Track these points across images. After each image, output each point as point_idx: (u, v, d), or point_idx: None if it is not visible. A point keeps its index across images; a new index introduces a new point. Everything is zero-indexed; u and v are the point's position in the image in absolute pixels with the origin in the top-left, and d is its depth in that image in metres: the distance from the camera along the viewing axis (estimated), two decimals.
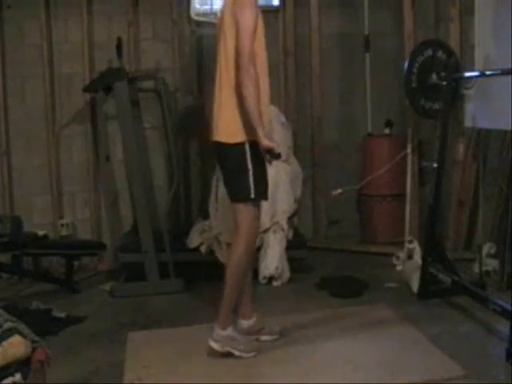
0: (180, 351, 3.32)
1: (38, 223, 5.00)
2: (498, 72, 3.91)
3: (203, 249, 4.64)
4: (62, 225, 5.09)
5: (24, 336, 2.54)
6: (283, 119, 5.00)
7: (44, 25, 4.99)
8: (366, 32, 5.51)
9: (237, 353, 3.18)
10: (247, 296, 3.36)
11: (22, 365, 2.47)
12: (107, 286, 4.54)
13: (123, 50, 4.74)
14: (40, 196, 5.10)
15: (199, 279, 4.55)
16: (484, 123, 4.40)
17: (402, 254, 4.72)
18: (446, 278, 3.95)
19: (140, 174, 4.51)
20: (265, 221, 4.25)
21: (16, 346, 2.48)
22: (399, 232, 5.02)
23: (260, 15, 3.10)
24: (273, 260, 4.45)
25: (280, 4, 5.49)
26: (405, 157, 5.09)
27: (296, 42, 5.51)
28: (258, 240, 3.52)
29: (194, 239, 4.72)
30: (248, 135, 3.08)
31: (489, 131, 4.63)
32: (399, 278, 4.45)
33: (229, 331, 3.20)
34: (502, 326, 3.29)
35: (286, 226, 4.61)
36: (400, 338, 3.40)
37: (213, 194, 4.76)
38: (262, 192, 3.22)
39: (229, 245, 4.03)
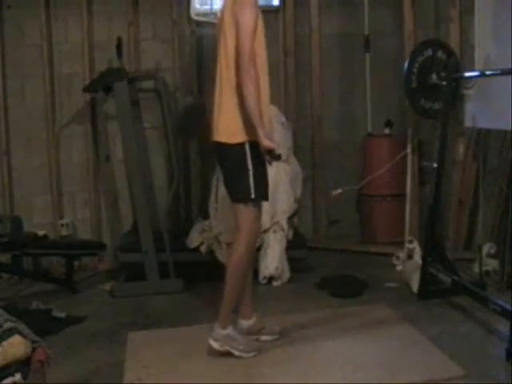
0: (180, 351, 3.32)
1: (38, 223, 5.00)
2: (498, 72, 3.91)
3: (203, 249, 4.64)
4: (62, 225, 5.10)
5: (24, 336, 2.54)
6: (283, 119, 5.00)
7: (44, 25, 4.99)
8: (366, 32, 5.51)
9: (236, 352, 3.18)
10: (247, 296, 3.36)
11: (22, 365, 2.47)
12: (107, 286, 4.54)
13: (123, 50, 4.74)
14: (40, 196, 5.11)
15: (199, 279, 4.55)
16: (484, 123, 4.39)
17: (402, 254, 4.72)
18: (446, 278, 3.95)
19: (140, 174, 4.51)
20: (265, 221, 4.25)
21: (16, 346, 2.48)
22: (399, 232, 5.02)
23: (260, 15, 3.10)
24: (273, 260, 4.45)
25: (280, 4, 5.49)
26: (405, 157, 5.09)
27: (296, 42, 5.51)
28: (258, 240, 3.51)
29: (194, 239, 4.72)
30: (248, 135, 3.08)
31: (489, 131, 4.63)
32: (399, 278, 4.45)
33: (229, 331, 3.20)
34: (502, 326, 3.29)
35: (286, 226, 4.61)
36: (400, 338, 3.40)
37: (213, 194, 4.76)
38: (263, 192, 3.22)
39: (229, 245, 4.04)
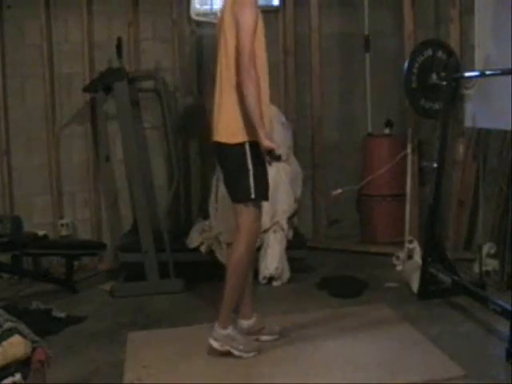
0: (180, 351, 3.32)
1: (38, 223, 5.00)
2: (498, 72, 3.91)
3: (203, 249, 4.63)
4: (62, 225, 5.10)
5: (24, 336, 2.54)
6: (283, 119, 5.00)
7: (44, 25, 4.99)
8: (366, 32, 5.51)
9: (236, 352, 3.18)
10: (248, 296, 3.36)
11: (22, 365, 2.47)
12: (107, 286, 4.54)
13: (123, 50, 4.74)
14: (40, 196, 5.11)
15: (199, 279, 4.55)
16: (484, 123, 4.39)
17: (402, 254, 4.72)
18: (446, 278, 3.95)
19: (140, 173, 4.51)
20: (265, 221, 4.25)
21: (16, 346, 2.48)
22: (399, 232, 5.02)
23: (260, 15, 3.11)
24: (273, 260, 4.45)
25: (280, 4, 5.49)
26: (405, 157, 5.09)
27: (296, 42, 5.51)
28: (258, 240, 3.51)
29: (194, 239, 4.72)
30: (248, 135, 3.08)
31: (489, 131, 4.63)
32: (399, 278, 4.45)
33: (229, 331, 3.20)
34: (502, 326, 3.29)
35: (286, 226, 4.61)
36: (400, 338, 3.40)
37: (213, 194, 4.76)
38: (263, 192, 3.22)
39: (229, 245, 4.04)
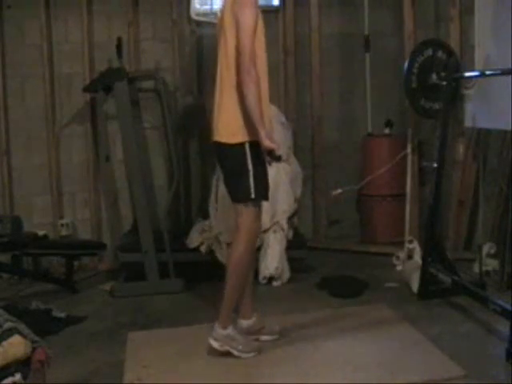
0: (180, 351, 3.32)
1: (38, 223, 5.00)
2: (498, 72, 3.91)
3: (203, 249, 4.63)
4: (62, 225, 5.10)
5: (24, 336, 2.54)
6: (283, 119, 5.00)
7: (44, 25, 4.99)
8: (366, 32, 5.51)
9: (236, 353, 3.18)
10: (248, 296, 3.36)
11: (22, 365, 2.47)
12: (107, 286, 4.54)
13: (123, 50, 4.74)
14: (40, 196, 5.11)
15: (199, 279, 4.55)
16: (484, 123, 4.39)
17: (402, 254, 4.72)
18: (446, 278, 3.95)
19: (140, 173, 4.51)
20: (265, 221, 4.25)
21: (16, 346, 2.48)
22: (399, 232, 5.02)
23: (260, 15, 3.11)
24: (273, 260, 4.45)
25: (280, 4, 5.49)
26: (405, 157, 5.09)
27: (296, 42, 5.51)
28: (257, 240, 3.52)
29: (194, 239, 4.72)
30: (248, 135, 3.08)
31: (489, 131, 4.63)
32: (399, 278, 4.45)
33: (229, 331, 3.20)
34: (502, 326, 3.29)
35: (286, 226, 4.61)
36: (400, 337, 3.40)
37: (213, 194, 4.76)
38: (263, 192, 3.22)
39: (229, 245, 4.03)
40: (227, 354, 3.18)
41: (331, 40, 5.58)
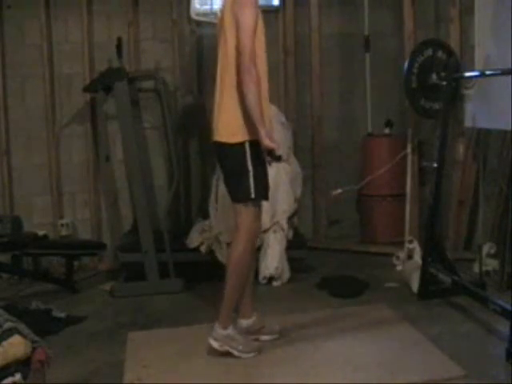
0: (180, 351, 3.32)
1: (38, 223, 5.00)
2: (498, 72, 3.91)
3: (203, 249, 4.64)
4: (62, 225, 5.10)
5: (24, 336, 2.54)
6: (283, 119, 5.00)
7: (44, 25, 5.00)
8: (366, 32, 5.51)
9: (236, 353, 3.18)
10: (248, 295, 3.36)
11: (22, 365, 2.47)
12: (107, 286, 4.54)
13: (123, 50, 4.74)
14: (40, 196, 5.11)
15: (199, 279, 4.55)
16: (484, 123, 4.39)
17: (402, 254, 4.72)
18: (446, 278, 3.95)
19: (140, 173, 4.51)
20: (265, 221, 4.25)
21: (16, 346, 2.48)
22: (399, 232, 5.02)
23: (260, 15, 3.11)
24: (273, 260, 4.45)
25: (280, 4, 5.49)
26: (405, 157, 5.09)
27: (296, 42, 5.51)
28: (258, 240, 3.52)
29: (194, 239, 4.72)
30: (248, 135, 3.08)
31: (489, 131, 4.63)
32: (399, 278, 4.45)
33: (229, 331, 3.20)
34: (502, 326, 3.29)
35: (286, 226, 4.61)
36: (400, 337, 3.40)
37: (213, 194, 4.76)
38: (263, 192, 3.22)
39: (229, 244, 4.03)
40: (227, 354, 3.18)
41: (331, 40, 5.58)
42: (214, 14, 4.92)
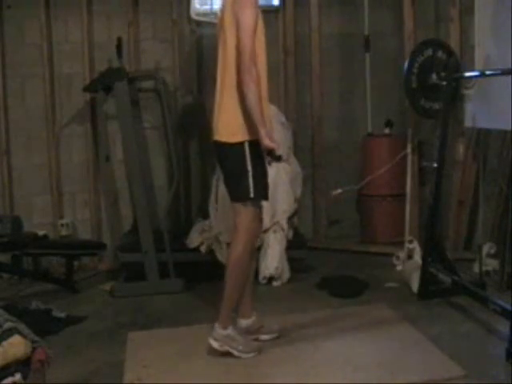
0: (180, 351, 3.32)
1: (38, 223, 5.00)
2: (498, 72, 3.91)
3: (203, 249, 4.64)
4: (62, 225, 5.10)
5: (24, 336, 2.54)
6: (283, 119, 5.00)
7: (44, 25, 5.00)
8: (366, 32, 5.51)
9: (236, 353, 3.18)
10: (248, 295, 3.36)
11: (22, 365, 2.47)
12: (107, 286, 4.54)
13: (123, 50, 4.74)
14: (40, 196, 5.11)
15: (199, 279, 4.55)
16: (484, 123, 4.39)
17: (402, 254, 4.72)
18: (446, 278, 3.95)
19: (140, 173, 4.51)
20: (265, 221, 4.24)
21: (16, 346, 2.48)
22: (399, 232, 5.02)
23: (260, 15, 3.11)
24: (273, 260, 4.45)
25: (280, 4, 5.49)
26: (405, 157, 5.09)
27: (296, 42, 5.51)
28: (257, 240, 3.52)
29: (194, 239, 4.72)
30: (248, 134, 3.09)
31: (489, 131, 4.63)
32: (399, 278, 4.45)
33: (229, 331, 3.20)
34: (502, 326, 3.29)
35: (286, 226, 4.61)
36: (400, 337, 3.40)
37: (213, 194, 4.76)
38: (262, 192, 3.22)
39: (229, 244, 4.03)
40: (227, 354, 3.18)
41: (331, 40, 5.58)
42: (214, 13, 4.92)
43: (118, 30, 5.00)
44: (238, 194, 3.17)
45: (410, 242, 4.62)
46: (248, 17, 3.01)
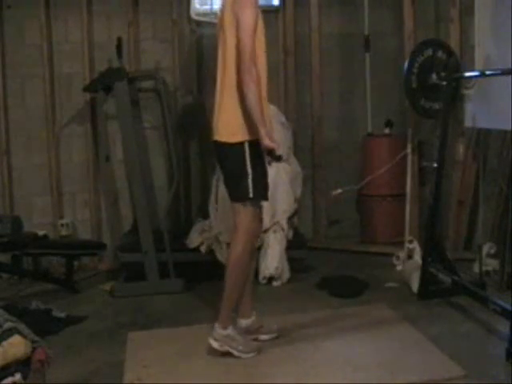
0: (180, 351, 3.32)
1: (38, 223, 5.00)
2: (498, 72, 3.91)
3: (203, 249, 4.64)
4: (62, 225, 5.10)
5: (24, 336, 2.54)
6: (283, 119, 5.00)
7: (44, 25, 5.00)
8: (366, 32, 5.51)
9: (235, 353, 3.18)
10: (247, 295, 3.36)
11: (22, 365, 2.47)
12: (107, 286, 4.54)
13: (123, 50, 4.74)
14: (40, 196, 5.11)
15: (199, 279, 4.55)
16: (484, 123, 4.39)
17: (402, 254, 4.72)
18: (446, 278, 3.95)
19: (140, 173, 4.51)
20: (265, 221, 4.24)
21: (16, 346, 2.48)
22: (399, 232, 5.02)
23: (260, 15, 3.11)
24: (273, 260, 4.45)
25: (280, 4, 5.49)
26: (405, 157, 5.09)
27: (296, 42, 5.51)
28: (257, 240, 3.51)
29: (194, 239, 4.72)
30: (248, 134, 3.09)
31: (489, 131, 4.63)
32: (399, 278, 4.45)
33: (229, 331, 3.20)
34: (502, 326, 3.29)
35: (286, 226, 4.61)
36: (400, 337, 3.40)
37: (213, 194, 4.76)
38: (262, 192, 3.22)
39: (229, 244, 4.03)
40: (227, 354, 3.18)
41: (331, 40, 5.58)
42: (214, 13, 4.92)
43: (118, 30, 5.00)
44: (237, 194, 3.17)
45: (410, 241, 4.62)
46: (248, 17, 3.01)
